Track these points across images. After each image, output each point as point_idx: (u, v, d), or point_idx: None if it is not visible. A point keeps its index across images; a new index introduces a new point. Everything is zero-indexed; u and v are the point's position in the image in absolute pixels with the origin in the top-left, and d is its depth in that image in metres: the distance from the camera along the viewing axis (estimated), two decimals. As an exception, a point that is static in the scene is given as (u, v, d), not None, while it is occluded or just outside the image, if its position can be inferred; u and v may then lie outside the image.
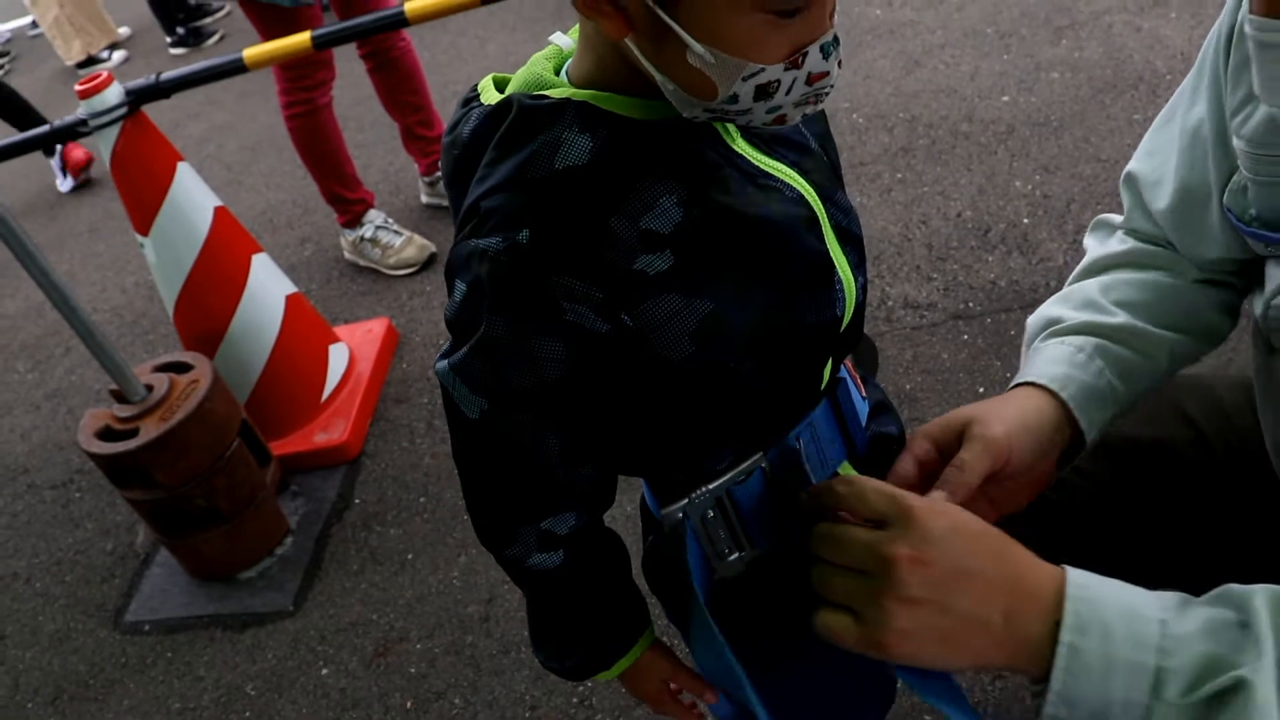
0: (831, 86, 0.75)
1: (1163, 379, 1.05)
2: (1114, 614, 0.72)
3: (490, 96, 0.81)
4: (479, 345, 0.79)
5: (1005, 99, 3.07)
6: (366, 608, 2.19)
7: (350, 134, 3.09)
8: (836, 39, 0.72)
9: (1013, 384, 1.03)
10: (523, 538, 0.90)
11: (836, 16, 0.71)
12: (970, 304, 2.41)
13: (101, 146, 2.25)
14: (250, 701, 2.09)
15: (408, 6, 2.18)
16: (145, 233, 2.36)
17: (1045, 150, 2.81)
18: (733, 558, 0.93)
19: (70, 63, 6.00)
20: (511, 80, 0.83)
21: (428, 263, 3.15)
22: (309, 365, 2.63)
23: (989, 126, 2.97)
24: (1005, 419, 0.94)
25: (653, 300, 0.76)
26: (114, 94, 2.20)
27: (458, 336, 0.81)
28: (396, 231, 3.18)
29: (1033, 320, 1.10)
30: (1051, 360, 1.01)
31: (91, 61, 5.97)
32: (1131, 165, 1.09)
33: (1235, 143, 0.94)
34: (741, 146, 0.80)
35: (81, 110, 2.20)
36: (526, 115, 0.76)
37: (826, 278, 0.83)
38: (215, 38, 5.78)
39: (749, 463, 0.89)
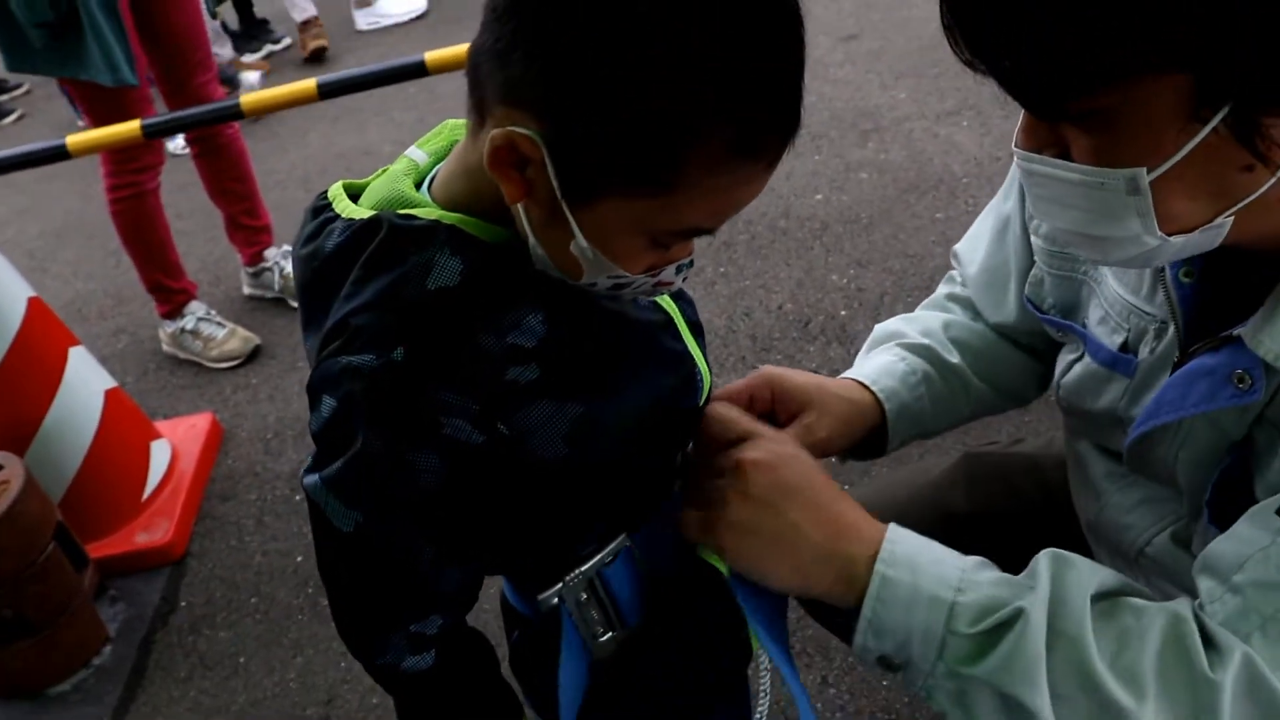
0: (672, 290, 0.85)
1: (962, 420, 1.21)
2: (923, 557, 0.86)
3: (344, 206, 0.83)
4: (355, 460, 0.79)
5: (819, 197, 3.26)
6: (196, 716, 2.10)
7: (170, 220, 3.00)
8: (691, 261, 0.82)
9: (851, 374, 1.16)
10: (394, 644, 0.91)
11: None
12: (796, 392, 2.53)
13: (-95, 235, 2.13)
14: (65, 826, 1.96)
15: (243, 99, 2.17)
16: (-51, 327, 2.23)
17: (858, 246, 3.00)
18: (605, 638, 0.97)
19: None
20: (367, 193, 0.86)
21: (252, 355, 3.08)
22: (129, 463, 2.52)
23: (805, 223, 3.14)
24: (835, 416, 1.08)
25: (526, 408, 0.80)
26: (-80, 178, 2.09)
27: (327, 451, 0.81)
28: (219, 323, 3.10)
29: (880, 328, 1.25)
30: (887, 371, 1.15)
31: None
32: (958, 245, 1.26)
33: (1033, 239, 1.08)
34: None
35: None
36: (398, 235, 0.78)
37: (690, 372, 0.90)
38: (13, 116, 5.53)
39: (615, 544, 0.94)
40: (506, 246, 0.80)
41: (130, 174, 2.79)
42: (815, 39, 3.34)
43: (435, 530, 0.85)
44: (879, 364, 1.18)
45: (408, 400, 0.77)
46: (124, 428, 2.51)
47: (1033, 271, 1.11)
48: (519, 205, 0.76)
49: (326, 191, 0.86)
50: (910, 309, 2.68)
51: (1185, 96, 0.69)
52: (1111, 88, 0.70)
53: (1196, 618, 0.81)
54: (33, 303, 2.33)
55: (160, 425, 2.74)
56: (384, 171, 0.89)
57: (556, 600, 0.93)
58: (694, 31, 0.66)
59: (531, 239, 0.77)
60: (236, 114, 2.19)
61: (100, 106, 2.58)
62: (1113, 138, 0.74)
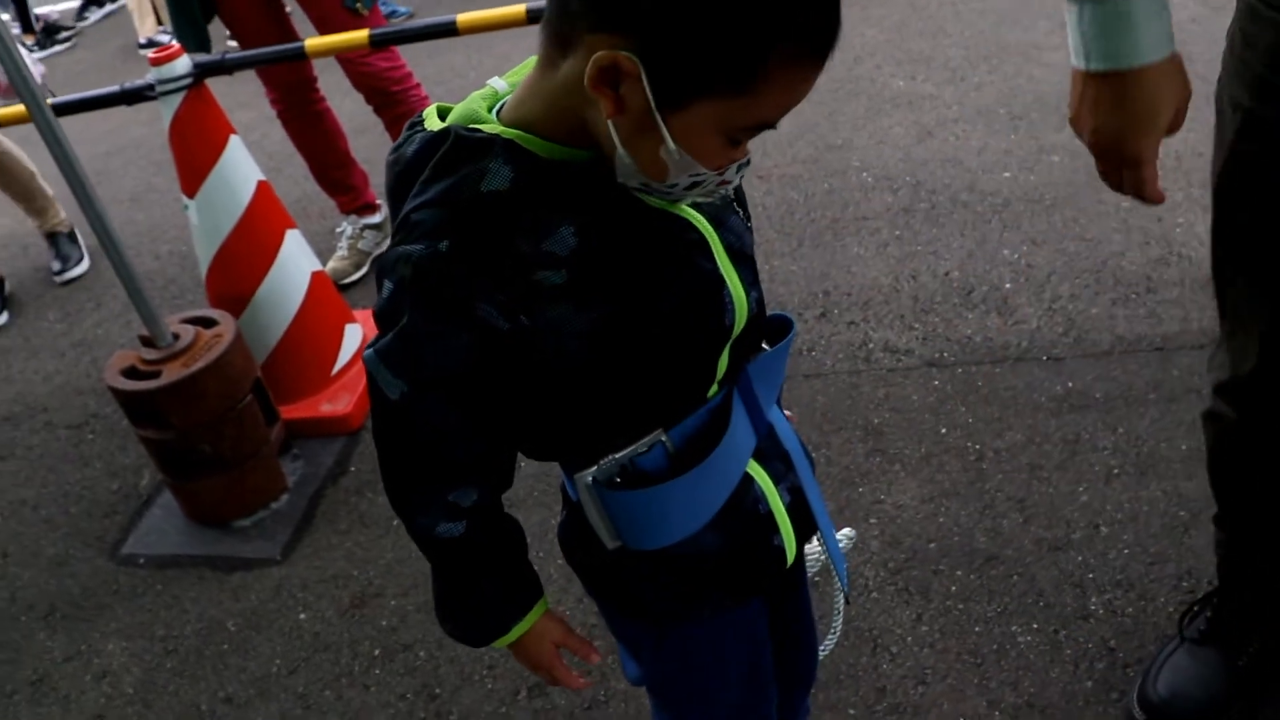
0: (730, 191, 0.96)
1: None
2: None
3: (433, 123, 0.95)
4: (401, 334, 0.92)
5: (1006, 175, 3.25)
6: (349, 564, 2.35)
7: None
8: (748, 160, 0.93)
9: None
10: (431, 508, 1.03)
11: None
12: (945, 354, 2.58)
13: (164, 111, 2.44)
14: (229, 636, 2.24)
15: (460, 18, 2.37)
16: (192, 195, 2.54)
17: (1036, 225, 2.99)
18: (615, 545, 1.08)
19: (142, 39, 6.34)
20: (452, 112, 0.97)
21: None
22: (324, 339, 2.80)
23: (987, 198, 3.15)
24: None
25: (548, 306, 0.91)
26: (182, 65, 2.40)
27: (384, 328, 0.94)
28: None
29: None
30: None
31: (151, 45, 6.25)
32: None
33: None
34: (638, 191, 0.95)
35: (151, 76, 2.40)
36: (461, 144, 0.90)
37: (716, 291, 0.99)
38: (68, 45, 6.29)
39: (650, 437, 1.02)
40: (557, 163, 0.91)
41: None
42: (1035, 23, 3.37)
43: (469, 404, 0.97)
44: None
45: (447, 284, 0.89)
46: (324, 308, 2.79)
47: None
48: (610, 121, 0.87)
49: (423, 112, 0.99)
50: (1077, 290, 2.72)
51: None
52: None
53: None
54: (261, 185, 2.62)
55: (357, 313, 3.01)
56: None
57: (591, 480, 1.04)
58: None
59: (620, 150, 0.88)
60: (451, 30, 2.38)
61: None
62: None
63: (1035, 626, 1.90)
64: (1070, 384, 2.43)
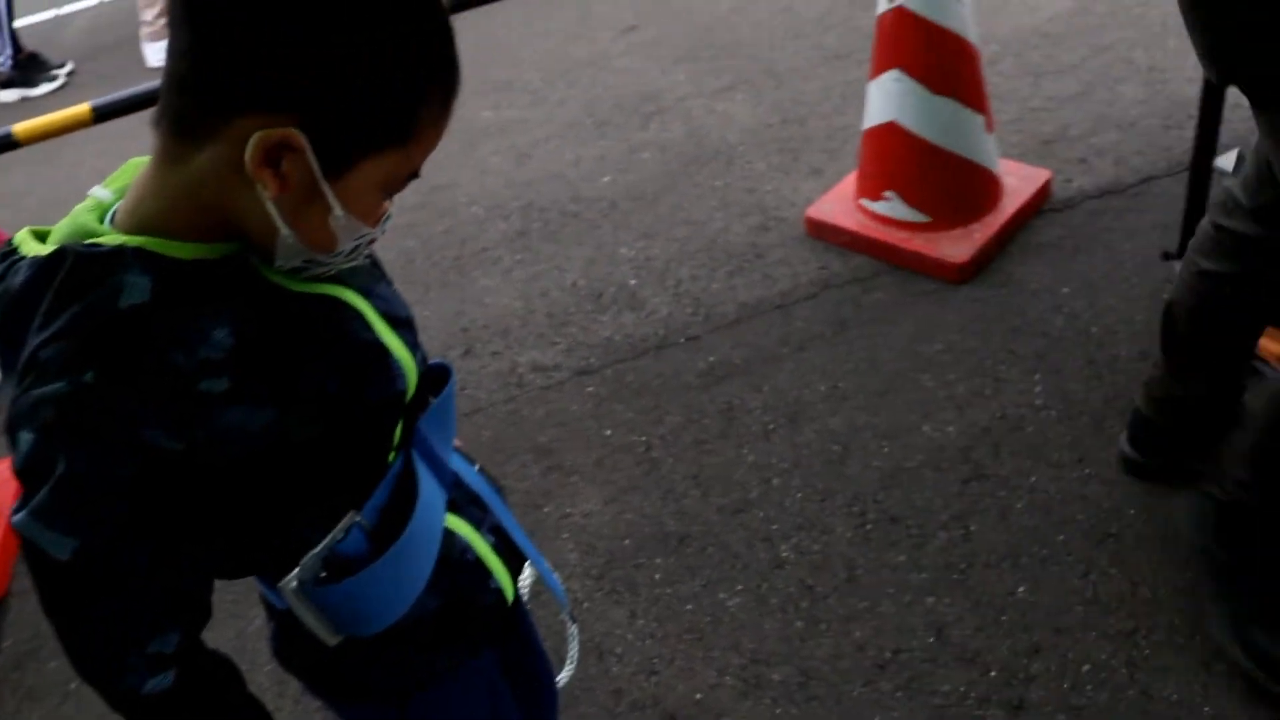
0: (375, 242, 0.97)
1: None
2: None
3: (32, 248, 0.86)
4: (59, 485, 0.81)
5: (606, 179, 3.41)
6: (28, 748, 2.11)
7: None
8: (390, 215, 0.95)
9: None
10: (133, 666, 0.91)
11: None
12: (591, 360, 2.67)
13: None
14: None
15: (17, 128, 2.17)
16: None
17: (644, 220, 3.15)
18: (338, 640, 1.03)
19: None
20: (53, 233, 0.88)
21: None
22: (-66, 514, 2.49)
23: (594, 204, 3.29)
24: None
25: (217, 414, 0.85)
26: None
27: (32, 485, 0.83)
28: None
29: None
30: None
31: None
32: None
33: None
34: (278, 278, 0.92)
35: None
36: (83, 262, 0.81)
37: (381, 360, 0.97)
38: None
39: (344, 521, 0.98)
40: (198, 262, 0.86)
41: None
42: (597, 34, 3.55)
43: (152, 541, 0.87)
44: None
45: (102, 418, 0.80)
46: (-76, 480, 2.48)
47: None
48: (272, 201, 0.83)
49: (12, 238, 0.90)
50: (696, 271, 2.91)
51: None
52: None
53: None
54: None
55: (-33, 476, 2.70)
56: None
57: (296, 583, 0.98)
58: (396, 18, 0.81)
59: (284, 230, 0.85)
60: (11, 144, 2.18)
61: None
62: None
63: (740, 588, 2.01)
64: (711, 358, 2.58)
